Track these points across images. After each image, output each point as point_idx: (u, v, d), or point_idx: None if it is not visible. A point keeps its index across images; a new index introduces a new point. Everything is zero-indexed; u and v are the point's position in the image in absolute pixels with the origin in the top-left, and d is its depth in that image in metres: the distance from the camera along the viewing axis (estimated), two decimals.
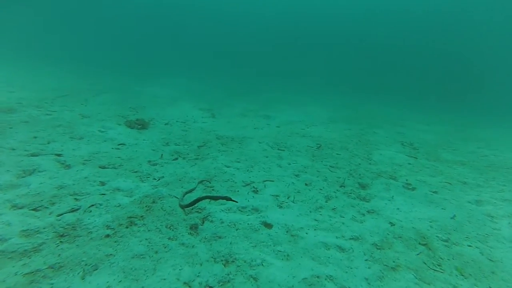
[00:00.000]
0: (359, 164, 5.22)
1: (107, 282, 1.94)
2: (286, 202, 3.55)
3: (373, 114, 11.72)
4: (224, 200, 3.14)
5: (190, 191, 3.47)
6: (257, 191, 3.81)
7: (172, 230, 2.64)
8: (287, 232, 2.88)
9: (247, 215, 3.13)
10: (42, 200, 2.81)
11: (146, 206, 2.97)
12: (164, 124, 6.95)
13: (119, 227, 2.55)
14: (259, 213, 3.22)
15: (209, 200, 3.20)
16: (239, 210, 3.23)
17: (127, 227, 2.56)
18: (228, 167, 4.51)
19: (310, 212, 3.38)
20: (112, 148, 4.66)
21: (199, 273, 2.13)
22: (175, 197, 3.27)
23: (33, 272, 1.99)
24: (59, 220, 2.55)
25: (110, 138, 5.17)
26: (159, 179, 3.73)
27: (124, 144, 5.00)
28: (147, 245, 2.37)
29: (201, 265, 2.22)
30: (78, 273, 2.00)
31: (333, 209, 3.52)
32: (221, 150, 5.32)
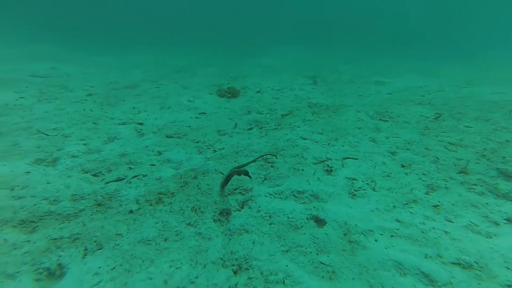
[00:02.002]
0: (508, 141, 3.38)
1: (99, 267, 1.76)
2: (363, 190, 2.58)
3: None
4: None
5: (241, 166, 3.00)
6: (331, 171, 2.96)
7: (197, 214, 2.26)
8: (344, 235, 2.02)
9: (299, 203, 2.41)
10: (103, 167, 2.97)
11: (184, 181, 2.70)
12: (256, 92, 6.63)
13: (145, 203, 2.37)
14: (317, 201, 2.43)
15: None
16: (293, 195, 2.54)
17: (151, 205, 2.36)
18: (304, 139, 3.76)
19: (394, 207, 2.32)
20: (191, 117, 4.68)
21: (195, 278, 1.67)
22: (221, 173, 2.87)
23: (56, 239, 2.02)
24: (103, 188, 2.59)
25: (194, 107, 5.24)
26: (216, 151, 3.42)
27: (205, 113, 4.96)
28: (160, 230, 2.08)
29: (204, 267, 1.76)
30: (84, 250, 1.90)
31: (435, 206, 2.33)
32: (306, 120, 4.56)
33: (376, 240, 1.98)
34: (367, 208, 2.34)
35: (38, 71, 8.02)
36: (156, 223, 2.14)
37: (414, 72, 8.84)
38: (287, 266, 1.75)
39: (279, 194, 2.55)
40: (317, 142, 3.62)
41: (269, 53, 13.88)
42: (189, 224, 2.15)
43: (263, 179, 2.81)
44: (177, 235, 2.03)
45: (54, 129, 3.91)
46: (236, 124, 4.42)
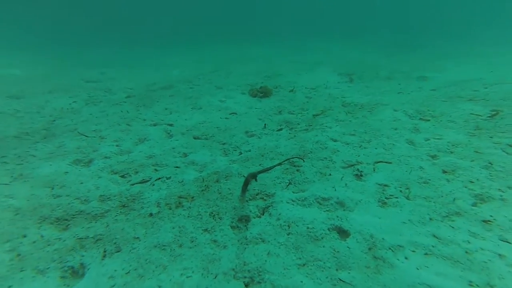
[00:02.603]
0: None
1: (115, 270, 1.79)
2: (396, 198, 2.33)
3: None
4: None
5: (266, 170, 2.90)
6: (361, 175, 2.74)
7: (214, 220, 2.22)
8: (369, 249, 1.82)
9: (322, 211, 2.24)
10: (130, 168, 3.07)
11: (205, 185, 2.68)
12: (289, 91, 6.46)
13: (165, 207, 2.39)
14: (342, 210, 2.25)
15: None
16: (317, 202, 2.38)
17: (170, 209, 2.36)
18: (335, 141, 3.55)
19: (431, 219, 2.05)
20: (220, 118, 4.69)
21: None
22: (243, 176, 2.80)
23: (82, 238, 2.12)
24: (128, 190, 2.68)
25: (225, 107, 5.25)
26: (242, 153, 3.36)
27: (235, 114, 4.94)
28: (176, 235, 2.07)
29: (215, 277, 1.70)
30: (103, 252, 1.95)
31: (485, 221, 2.00)
32: (339, 120, 4.31)
33: (406, 258, 1.75)
34: (398, 219, 2.09)
35: (90, 76, 8.71)
36: (173, 228, 2.14)
37: (466, 64, 7.94)
38: (301, 282, 1.62)
39: (302, 200, 2.40)
40: (348, 144, 3.38)
41: (307, 50, 13.53)
42: (205, 230, 2.11)
43: (287, 184, 2.68)
44: (192, 241, 2.00)
45: (94, 130, 4.17)
46: (265, 124, 4.32)
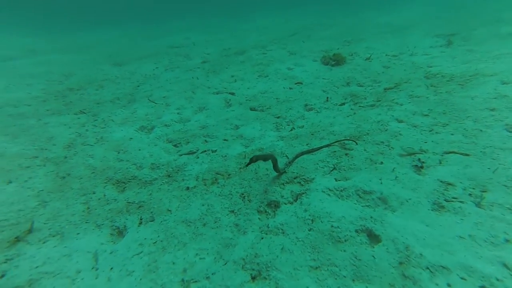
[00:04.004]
0: None
1: (145, 238, 1.96)
2: (460, 202, 1.83)
3: None
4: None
5: (312, 150, 2.64)
6: (421, 168, 2.24)
7: (243, 202, 2.16)
8: (399, 264, 1.50)
9: (359, 207, 1.93)
10: (183, 138, 3.23)
11: (245, 162, 2.61)
12: (365, 59, 5.61)
13: (202, 182, 2.44)
14: (383, 208, 1.89)
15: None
16: (357, 195, 2.06)
17: (205, 185, 2.40)
18: (400, 121, 2.97)
19: (507, 241, 1.54)
20: (284, 88, 4.44)
21: (212, 274, 1.62)
22: (286, 156, 2.62)
23: (130, 203, 2.38)
24: (176, 160, 2.83)
25: (292, 76, 4.93)
26: (294, 129, 3.14)
27: (301, 83, 4.61)
28: (203, 213, 2.10)
29: (225, 264, 1.67)
30: (139, 219, 2.15)
31: None
32: (414, 95, 3.57)
33: (449, 286, 1.36)
34: (454, 231, 1.63)
35: (174, 42, 9.36)
36: (203, 205, 2.18)
37: None
38: (307, 287, 1.45)
39: (341, 191, 2.11)
40: (415, 126, 2.76)
41: (399, 9, 11.29)
42: (232, 211, 2.09)
43: (331, 169, 2.39)
44: (216, 222, 2.00)
45: (163, 97, 4.51)
46: (328, 97, 3.89)
